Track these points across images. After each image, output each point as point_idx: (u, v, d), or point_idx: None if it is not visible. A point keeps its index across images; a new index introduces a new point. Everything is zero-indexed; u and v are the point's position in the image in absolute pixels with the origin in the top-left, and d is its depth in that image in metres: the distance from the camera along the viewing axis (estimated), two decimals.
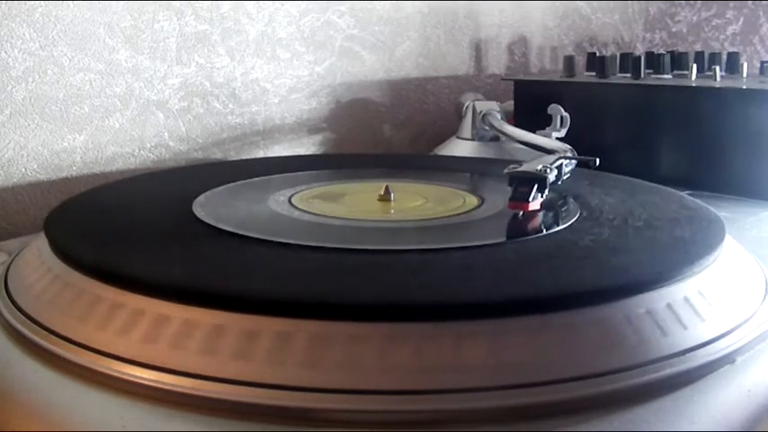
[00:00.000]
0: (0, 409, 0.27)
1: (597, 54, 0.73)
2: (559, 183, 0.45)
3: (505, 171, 0.42)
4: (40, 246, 0.37)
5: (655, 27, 1.07)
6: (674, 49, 0.90)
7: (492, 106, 0.70)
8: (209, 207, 0.41)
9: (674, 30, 1.05)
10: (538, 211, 0.40)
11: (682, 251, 0.34)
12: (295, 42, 0.71)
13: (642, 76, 0.68)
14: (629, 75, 0.69)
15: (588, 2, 1.01)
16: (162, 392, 0.26)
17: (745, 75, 0.69)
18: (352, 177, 0.51)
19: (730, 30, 1.01)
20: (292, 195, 0.45)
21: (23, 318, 0.31)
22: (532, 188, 0.40)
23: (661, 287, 0.30)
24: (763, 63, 0.72)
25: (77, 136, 0.58)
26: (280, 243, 0.35)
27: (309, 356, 0.25)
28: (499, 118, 0.69)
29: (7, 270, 0.37)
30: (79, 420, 0.25)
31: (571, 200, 0.43)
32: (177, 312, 0.28)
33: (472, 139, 0.71)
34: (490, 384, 0.25)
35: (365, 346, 0.26)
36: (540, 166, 0.41)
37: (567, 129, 0.60)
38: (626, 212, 0.40)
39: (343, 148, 0.76)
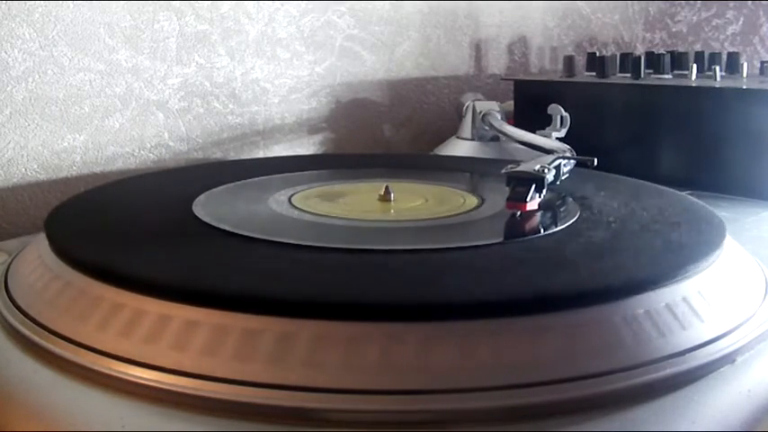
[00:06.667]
0: (0, 409, 0.27)
1: (597, 54, 0.73)
2: (558, 183, 0.45)
3: (503, 171, 0.42)
4: (39, 246, 0.37)
5: (655, 27, 1.07)
6: (674, 49, 0.90)
7: (492, 106, 0.70)
8: (209, 207, 0.41)
9: (674, 30, 1.05)
10: (536, 211, 0.40)
11: (682, 251, 0.34)
12: (295, 42, 0.71)
13: (642, 76, 0.68)
14: (629, 75, 0.69)
15: (588, 2, 1.01)
16: (162, 392, 0.26)
17: (745, 75, 0.69)
18: (352, 177, 0.51)
19: (730, 30, 1.01)
20: (292, 195, 0.45)
21: (23, 318, 0.31)
22: (530, 188, 0.40)
23: (661, 287, 0.30)
24: (763, 63, 0.72)
25: (77, 136, 0.58)
26: (280, 243, 0.35)
27: (309, 356, 0.25)
28: (499, 118, 0.69)
29: (7, 270, 0.37)
30: (79, 420, 0.25)
31: (570, 200, 0.43)
32: (177, 312, 0.28)
33: (472, 139, 0.71)
34: (490, 384, 0.25)
35: (365, 346, 0.26)
36: (537, 166, 0.41)
37: (567, 129, 0.60)
38: (626, 212, 0.40)
39: (343, 148, 0.76)
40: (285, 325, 0.26)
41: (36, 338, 0.29)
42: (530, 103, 0.72)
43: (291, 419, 0.24)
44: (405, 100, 0.81)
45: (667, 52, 0.72)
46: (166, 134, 0.63)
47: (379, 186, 0.45)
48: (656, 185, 0.48)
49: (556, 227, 0.38)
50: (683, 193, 0.46)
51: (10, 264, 0.38)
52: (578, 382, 0.25)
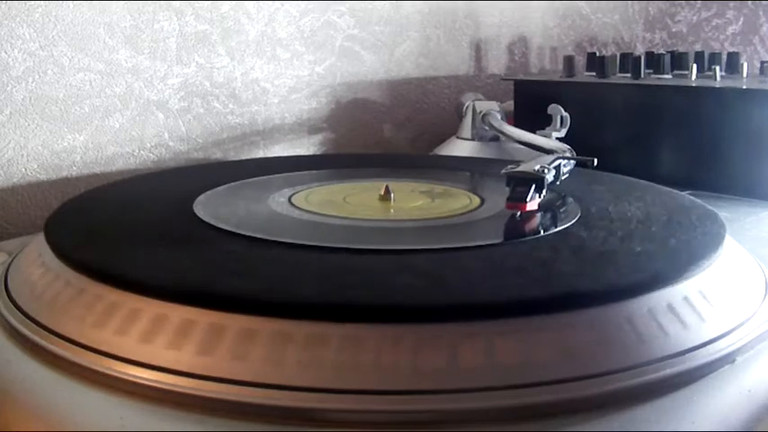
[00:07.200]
0: (0, 409, 0.27)
1: (597, 54, 0.73)
2: (558, 183, 0.45)
3: (503, 171, 0.42)
4: (40, 246, 0.37)
5: (655, 27, 1.07)
6: (674, 49, 0.90)
7: (492, 106, 0.70)
8: (209, 207, 0.41)
9: (674, 30, 1.05)
10: (536, 211, 0.40)
11: (682, 251, 0.34)
12: (295, 42, 0.71)
13: (642, 76, 0.68)
14: (629, 75, 0.69)
15: (588, 2, 1.01)
16: (162, 392, 0.26)
17: (745, 75, 0.69)
18: (352, 177, 0.51)
19: (730, 30, 1.01)
20: (292, 195, 0.45)
21: (23, 318, 0.31)
22: (530, 188, 0.40)
23: (661, 287, 0.30)
24: (763, 63, 0.72)
25: (77, 136, 0.58)
26: (280, 243, 0.35)
27: (309, 356, 0.26)
28: (499, 118, 0.69)
29: (7, 270, 0.37)
30: (79, 420, 0.25)
31: (570, 200, 0.43)
32: (177, 312, 0.28)
33: (472, 139, 0.71)
34: (490, 384, 0.25)
35: (365, 347, 0.26)
36: (537, 167, 0.41)
37: (567, 129, 0.60)
38: (626, 213, 0.40)
39: (343, 148, 0.76)
40: (284, 325, 0.26)
41: (36, 338, 0.29)
42: (530, 103, 0.72)
43: (290, 419, 0.24)
44: (405, 100, 0.81)
45: (667, 52, 0.72)
46: (166, 134, 0.63)
47: (379, 186, 0.45)
48: (655, 185, 0.48)
49: (556, 227, 0.38)
50: (683, 193, 0.46)
51: (10, 264, 0.38)
52: (578, 382, 0.25)
